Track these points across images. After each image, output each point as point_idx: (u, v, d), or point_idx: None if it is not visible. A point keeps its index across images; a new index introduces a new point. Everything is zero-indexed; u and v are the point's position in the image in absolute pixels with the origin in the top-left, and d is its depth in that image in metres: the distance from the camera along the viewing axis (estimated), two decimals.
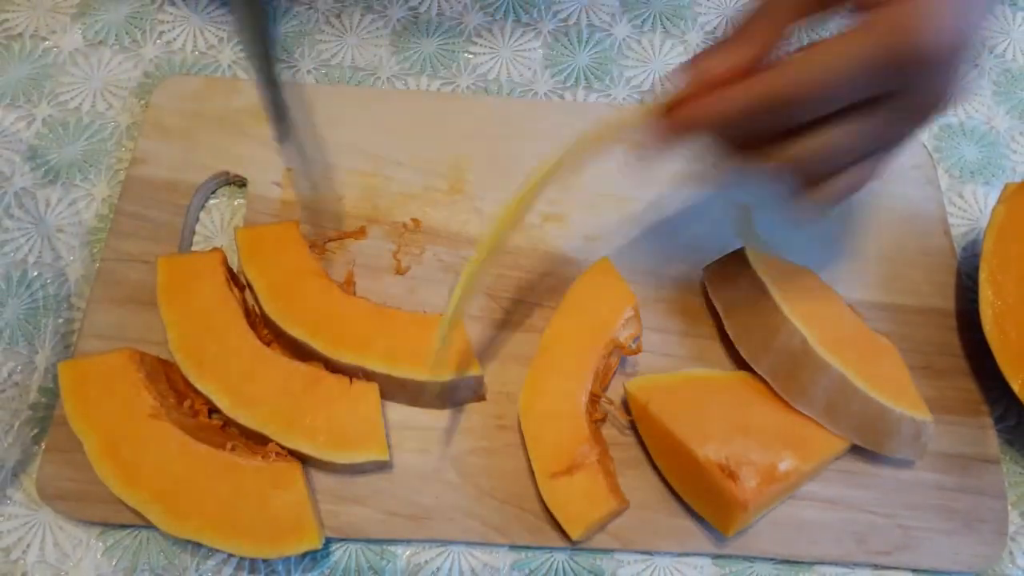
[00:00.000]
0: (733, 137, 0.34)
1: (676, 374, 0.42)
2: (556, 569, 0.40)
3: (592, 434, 0.40)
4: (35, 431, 0.42)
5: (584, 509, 0.38)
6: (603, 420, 0.42)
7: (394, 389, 0.41)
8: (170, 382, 0.41)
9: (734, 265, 0.43)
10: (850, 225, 0.49)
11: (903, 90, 0.31)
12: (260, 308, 0.42)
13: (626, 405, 0.42)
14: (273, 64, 0.40)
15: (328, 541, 0.40)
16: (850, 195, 0.35)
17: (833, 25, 0.33)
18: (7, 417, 0.41)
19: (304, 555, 0.40)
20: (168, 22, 0.54)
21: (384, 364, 0.40)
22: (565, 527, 0.39)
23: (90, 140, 0.50)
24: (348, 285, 0.44)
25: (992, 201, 0.51)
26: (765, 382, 0.41)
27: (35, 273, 0.46)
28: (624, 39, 0.56)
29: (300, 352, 0.41)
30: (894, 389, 0.40)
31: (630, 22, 0.56)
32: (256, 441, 0.40)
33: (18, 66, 0.52)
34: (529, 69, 0.54)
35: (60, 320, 0.44)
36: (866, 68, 0.30)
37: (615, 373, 0.43)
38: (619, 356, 0.43)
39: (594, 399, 0.41)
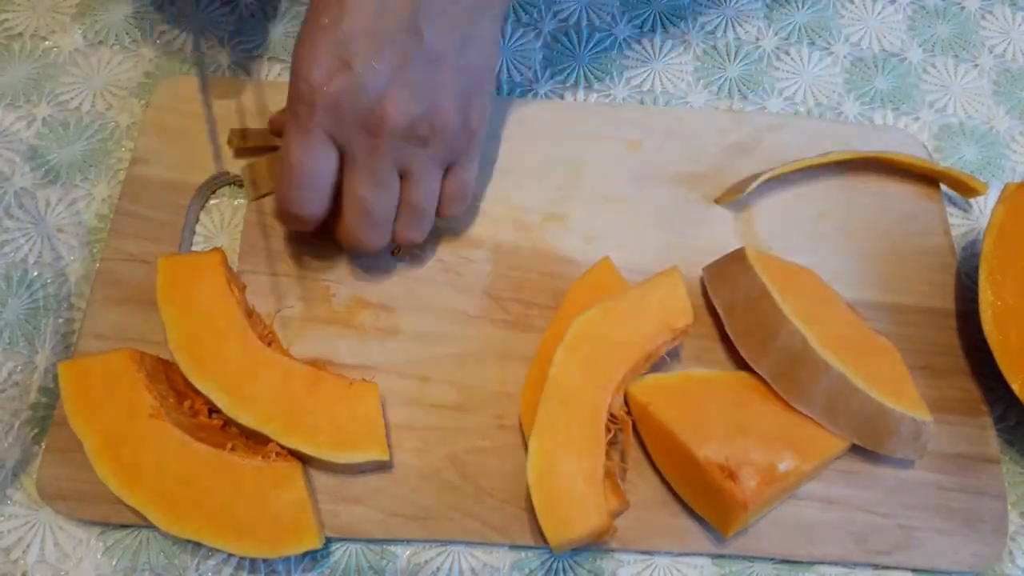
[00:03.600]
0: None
1: (676, 374, 0.42)
2: (556, 569, 0.40)
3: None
4: (35, 431, 0.42)
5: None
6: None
7: None
8: (170, 382, 0.41)
9: (734, 265, 0.43)
10: (850, 225, 0.49)
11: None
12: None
13: (626, 405, 0.42)
14: None
15: (328, 541, 0.40)
16: (417, 238, 0.43)
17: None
18: (7, 417, 0.41)
19: (304, 555, 0.40)
20: (168, 22, 0.54)
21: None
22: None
23: (90, 140, 0.50)
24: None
25: (992, 201, 0.51)
26: (765, 382, 0.41)
27: (35, 273, 0.46)
28: (624, 39, 0.56)
29: None
30: (894, 389, 0.40)
31: (631, 22, 0.56)
32: (256, 441, 0.40)
33: (18, 66, 0.52)
34: (530, 69, 0.54)
35: (60, 320, 0.44)
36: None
37: None
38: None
39: None
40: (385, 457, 0.39)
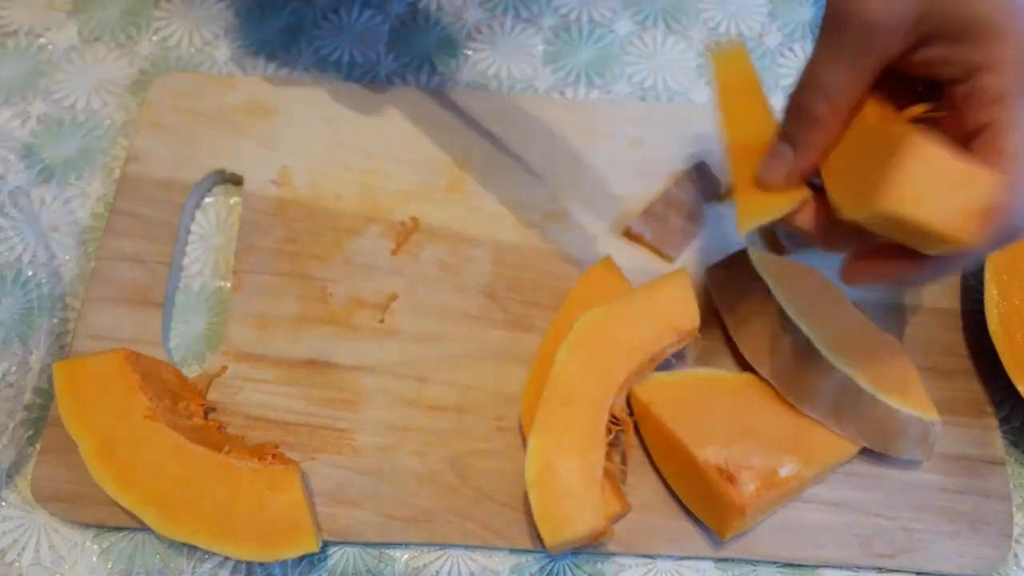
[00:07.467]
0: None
1: (680, 373, 0.42)
2: (555, 572, 0.40)
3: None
4: (30, 432, 0.41)
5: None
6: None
7: None
8: (165, 383, 0.41)
9: (737, 266, 0.43)
10: None
11: None
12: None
13: (629, 406, 0.41)
14: None
15: (325, 544, 0.40)
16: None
17: None
18: (2, 418, 0.41)
19: (301, 558, 0.39)
20: (163, 19, 0.54)
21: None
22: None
23: (85, 138, 0.49)
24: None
25: None
26: (770, 384, 0.41)
27: (30, 272, 0.45)
28: (626, 35, 0.55)
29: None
30: (901, 390, 0.39)
31: (632, 18, 0.56)
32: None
33: (13, 63, 0.51)
34: (529, 66, 0.53)
35: (55, 320, 0.44)
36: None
37: None
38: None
39: None
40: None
